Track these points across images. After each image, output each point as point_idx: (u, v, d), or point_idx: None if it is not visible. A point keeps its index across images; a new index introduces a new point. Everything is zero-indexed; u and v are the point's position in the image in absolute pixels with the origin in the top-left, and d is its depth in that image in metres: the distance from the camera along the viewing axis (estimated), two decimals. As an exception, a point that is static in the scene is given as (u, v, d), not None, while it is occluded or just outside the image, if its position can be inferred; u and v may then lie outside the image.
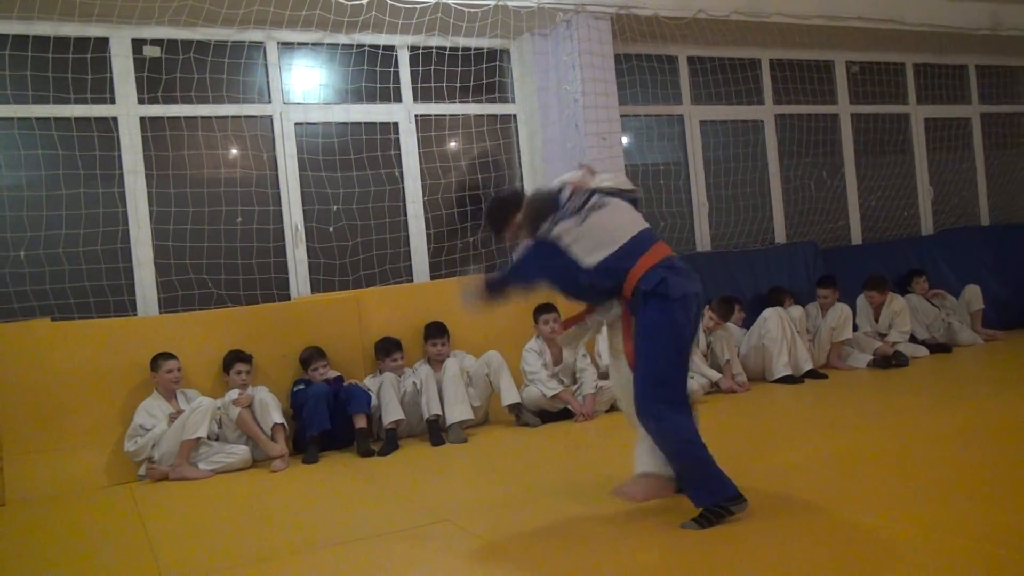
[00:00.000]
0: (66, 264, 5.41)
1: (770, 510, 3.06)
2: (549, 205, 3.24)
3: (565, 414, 5.47)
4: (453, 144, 6.73)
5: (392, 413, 5.11)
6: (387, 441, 5.04)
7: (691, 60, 7.60)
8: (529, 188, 6.86)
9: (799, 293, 6.92)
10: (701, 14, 6.78)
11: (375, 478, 4.39)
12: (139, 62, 5.68)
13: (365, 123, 6.35)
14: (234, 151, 6.02)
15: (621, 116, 6.71)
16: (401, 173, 6.46)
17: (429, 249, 6.52)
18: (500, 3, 6.15)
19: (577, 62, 6.41)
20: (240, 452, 4.88)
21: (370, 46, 6.31)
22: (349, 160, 6.29)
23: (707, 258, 7.19)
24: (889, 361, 6.35)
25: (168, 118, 5.76)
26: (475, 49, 6.64)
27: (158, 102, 5.74)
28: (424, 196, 6.51)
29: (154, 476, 4.75)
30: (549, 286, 3.26)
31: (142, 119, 5.69)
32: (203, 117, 5.88)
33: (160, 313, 5.60)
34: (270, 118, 6.08)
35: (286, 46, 6.14)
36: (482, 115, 6.76)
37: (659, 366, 2.99)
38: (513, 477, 4.17)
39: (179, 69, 5.77)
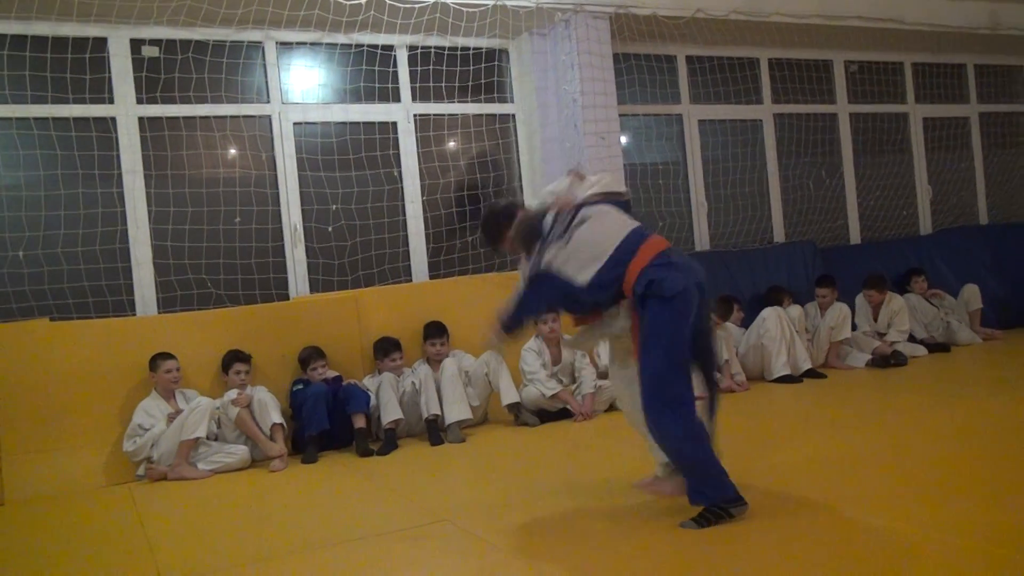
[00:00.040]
0: (65, 264, 5.41)
1: (769, 509, 3.06)
2: (536, 229, 3.28)
3: (564, 414, 5.48)
4: (452, 144, 6.73)
5: (391, 413, 5.11)
6: (386, 441, 5.04)
7: (690, 59, 7.60)
8: (528, 189, 6.86)
9: (798, 293, 6.92)
10: (700, 13, 6.78)
11: (374, 478, 4.39)
12: (137, 62, 5.68)
13: (364, 123, 6.35)
14: (233, 151, 6.01)
15: (620, 115, 6.71)
16: (400, 173, 6.46)
17: (428, 249, 6.52)
18: (499, 3, 6.15)
19: (576, 62, 6.41)
20: (239, 452, 4.88)
21: (369, 46, 6.30)
22: (348, 160, 6.28)
23: (706, 258, 7.19)
24: (888, 360, 6.36)
25: (167, 118, 5.75)
26: (474, 49, 6.64)
27: (157, 102, 5.73)
28: (423, 196, 6.51)
29: (153, 476, 4.74)
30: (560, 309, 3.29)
31: (140, 119, 5.68)
32: (202, 117, 5.88)
33: (159, 313, 5.60)
34: (269, 118, 6.08)
35: (285, 46, 6.13)
36: (481, 115, 6.75)
37: (660, 365, 2.98)
38: (512, 477, 4.17)
39: (178, 69, 5.76)
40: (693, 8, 6.74)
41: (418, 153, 6.51)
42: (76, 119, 5.49)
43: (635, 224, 3.19)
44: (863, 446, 4.02)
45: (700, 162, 7.63)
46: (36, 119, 5.39)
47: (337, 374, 5.32)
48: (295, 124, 6.14)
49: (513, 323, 3.37)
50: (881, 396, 5.49)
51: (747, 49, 7.80)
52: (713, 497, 2.96)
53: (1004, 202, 9.30)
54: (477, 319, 5.83)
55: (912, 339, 6.84)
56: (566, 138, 6.54)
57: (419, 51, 6.50)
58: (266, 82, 6.08)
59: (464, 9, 6.10)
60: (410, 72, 6.48)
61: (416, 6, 5.97)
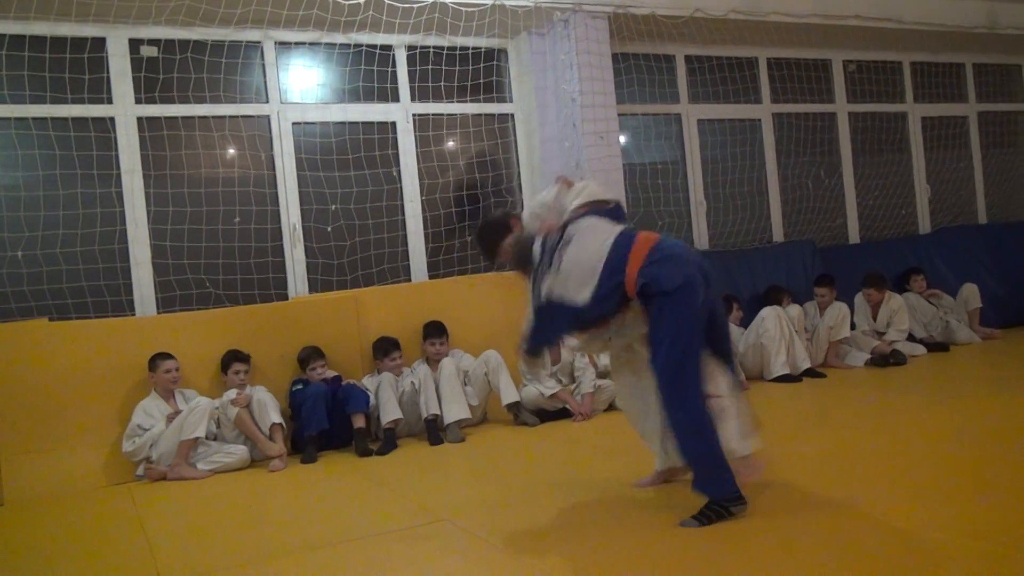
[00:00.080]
0: (63, 264, 5.41)
1: (769, 508, 3.06)
2: (528, 254, 3.34)
3: (563, 413, 5.48)
4: (451, 144, 6.73)
5: (390, 413, 5.11)
6: (385, 441, 5.04)
7: (688, 59, 7.60)
8: (527, 189, 6.86)
9: (797, 292, 6.92)
10: (698, 13, 6.78)
11: (373, 477, 4.39)
12: (136, 62, 5.68)
13: (363, 123, 6.34)
14: (231, 151, 6.01)
15: (619, 115, 6.71)
16: (399, 172, 6.46)
17: (427, 249, 6.52)
18: (497, 2, 6.15)
19: (575, 61, 6.41)
20: (238, 452, 4.88)
21: (367, 45, 6.30)
22: (347, 160, 6.28)
23: (705, 257, 7.18)
24: (887, 360, 6.36)
25: (165, 118, 5.75)
26: (472, 48, 6.64)
27: (155, 102, 5.73)
28: (422, 196, 6.51)
29: (152, 476, 4.74)
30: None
31: (139, 119, 5.68)
32: (200, 117, 5.88)
33: (158, 313, 5.60)
34: (267, 118, 6.08)
35: (283, 46, 6.13)
36: (480, 114, 6.75)
37: (671, 359, 3.00)
38: (511, 476, 4.17)
39: (176, 69, 5.76)
40: (692, 8, 6.75)
41: (417, 153, 6.51)
42: (75, 119, 5.48)
43: (620, 229, 3.20)
44: (862, 445, 4.02)
45: (699, 162, 7.64)
46: (35, 119, 5.39)
47: (336, 374, 5.32)
48: (294, 124, 6.14)
49: (535, 349, 3.42)
50: (880, 395, 5.49)
51: (746, 48, 7.80)
52: (714, 491, 2.97)
53: (1003, 201, 9.31)
54: (476, 319, 5.89)
55: (911, 338, 6.85)
56: (565, 138, 6.54)
57: (418, 51, 6.50)
58: (265, 82, 6.07)
59: (463, 9, 6.10)
60: (409, 72, 6.48)
61: (415, 6, 5.97)
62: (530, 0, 6.22)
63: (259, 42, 6.03)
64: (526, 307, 3.38)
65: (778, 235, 7.96)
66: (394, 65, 6.43)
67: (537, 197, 3.53)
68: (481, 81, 6.70)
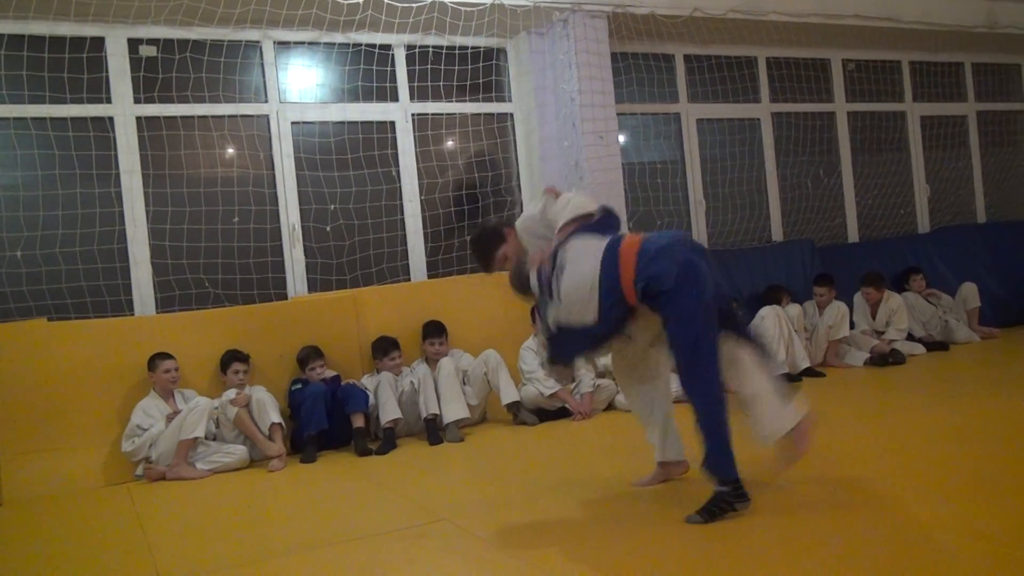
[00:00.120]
0: (62, 264, 5.40)
1: (768, 507, 3.06)
2: (526, 283, 3.44)
3: (563, 413, 5.48)
4: (450, 143, 6.73)
5: (389, 412, 5.11)
6: (385, 440, 5.03)
7: (688, 58, 7.60)
8: (527, 189, 6.86)
9: (796, 291, 6.92)
10: (698, 12, 6.78)
11: (373, 477, 4.39)
12: (135, 62, 5.67)
13: (362, 122, 6.34)
14: (230, 150, 6.01)
15: (618, 114, 6.71)
16: (398, 172, 6.46)
17: (426, 248, 6.52)
18: (496, 2, 6.15)
19: (574, 61, 6.41)
20: (238, 452, 4.88)
21: (366, 45, 6.30)
22: (346, 159, 6.28)
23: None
24: (886, 359, 6.36)
25: (164, 118, 5.75)
26: (472, 48, 6.64)
27: (154, 102, 5.73)
28: (421, 195, 6.51)
29: (151, 476, 4.74)
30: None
31: (138, 119, 5.68)
32: (199, 117, 5.88)
33: (157, 313, 5.59)
34: (266, 117, 6.08)
35: (282, 45, 6.13)
36: (479, 114, 6.75)
37: (686, 347, 3.05)
38: (511, 476, 4.17)
39: (175, 69, 5.76)
40: (691, 7, 6.75)
41: (416, 152, 6.50)
42: (74, 119, 5.48)
43: (606, 243, 3.21)
44: (861, 445, 4.02)
45: (698, 161, 7.64)
46: (34, 119, 5.39)
47: (336, 373, 5.32)
48: (293, 123, 6.14)
49: (563, 362, 3.51)
50: (879, 395, 5.49)
51: (745, 48, 7.80)
52: (720, 472, 2.99)
53: (1002, 200, 9.31)
54: (476, 318, 5.88)
55: (910, 337, 6.85)
56: (564, 137, 6.55)
57: (417, 50, 6.50)
58: (264, 82, 6.07)
59: (462, 8, 6.10)
60: (408, 71, 6.48)
61: (414, 5, 5.96)
62: (529, 0, 6.22)
63: (258, 42, 6.02)
64: (538, 331, 3.43)
65: (777, 234, 7.97)
66: (393, 65, 6.43)
67: (527, 209, 3.54)
68: (480, 81, 6.70)
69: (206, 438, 4.84)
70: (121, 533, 3.75)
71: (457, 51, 6.60)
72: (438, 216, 6.60)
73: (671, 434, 3.51)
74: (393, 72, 6.43)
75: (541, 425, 5.35)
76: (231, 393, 4.99)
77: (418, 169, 6.51)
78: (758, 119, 7.98)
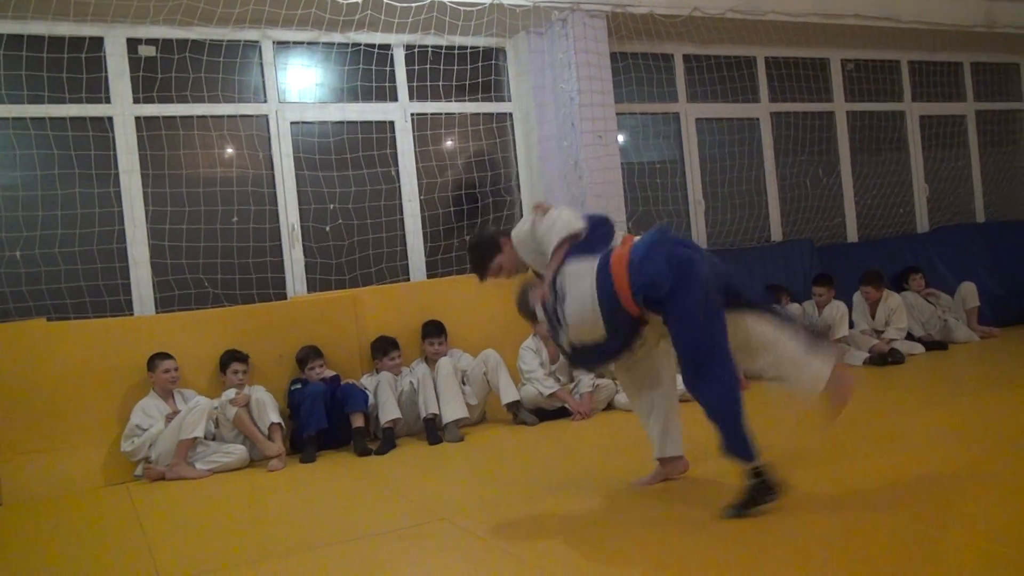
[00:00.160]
0: (62, 264, 5.40)
1: (766, 506, 3.06)
2: (532, 312, 3.55)
3: (562, 412, 5.48)
4: (449, 143, 6.73)
5: (389, 412, 5.11)
6: (384, 440, 5.03)
7: (687, 58, 7.60)
8: (526, 188, 6.86)
9: (795, 291, 6.92)
10: (697, 12, 6.79)
11: (372, 477, 4.39)
12: (134, 61, 5.67)
13: (361, 122, 6.34)
14: (230, 150, 6.01)
15: (617, 114, 6.71)
16: (397, 172, 6.46)
17: (426, 248, 6.52)
18: (496, 2, 6.15)
19: (573, 60, 6.41)
20: (237, 452, 4.87)
21: (366, 45, 6.30)
22: (345, 159, 6.28)
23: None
24: (885, 358, 6.36)
25: (163, 117, 5.75)
26: (471, 48, 6.64)
27: (153, 102, 5.73)
28: (420, 195, 6.51)
29: (151, 476, 4.74)
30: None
31: (137, 119, 5.68)
32: (199, 116, 5.87)
33: (156, 313, 5.59)
34: (266, 117, 6.08)
35: (281, 45, 6.13)
36: (478, 114, 6.75)
37: (688, 348, 3.07)
38: (510, 475, 4.17)
39: (174, 68, 5.76)
40: (690, 7, 6.75)
41: (415, 152, 6.50)
42: (73, 119, 5.48)
43: (596, 259, 3.22)
44: (860, 444, 4.02)
45: (697, 160, 7.64)
46: (33, 119, 5.39)
47: (335, 373, 5.32)
48: (292, 123, 6.14)
49: (588, 370, 3.57)
50: (878, 394, 5.49)
51: (744, 48, 7.81)
52: (742, 455, 2.99)
53: (1001, 200, 9.32)
54: (475, 318, 5.88)
55: (910, 337, 6.85)
56: (563, 137, 6.55)
57: (416, 50, 6.50)
58: (263, 81, 6.07)
59: (461, 8, 6.10)
60: (407, 71, 6.48)
61: (413, 5, 5.96)
62: (528, 0, 6.22)
63: (257, 41, 6.02)
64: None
65: (776, 234, 7.97)
66: (392, 64, 6.43)
67: (521, 222, 3.54)
68: (479, 80, 6.70)
69: (205, 438, 4.84)
70: (121, 533, 3.75)
71: (456, 51, 6.60)
72: (437, 216, 6.60)
73: (672, 430, 3.52)
74: (392, 72, 6.43)
75: (540, 425, 5.35)
76: (230, 393, 4.99)
77: (417, 169, 6.51)
78: (757, 119, 7.99)
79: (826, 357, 3.15)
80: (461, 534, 3.19)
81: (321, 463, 4.86)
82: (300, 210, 6.12)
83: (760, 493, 2.97)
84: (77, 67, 5.46)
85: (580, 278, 3.20)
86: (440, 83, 6.56)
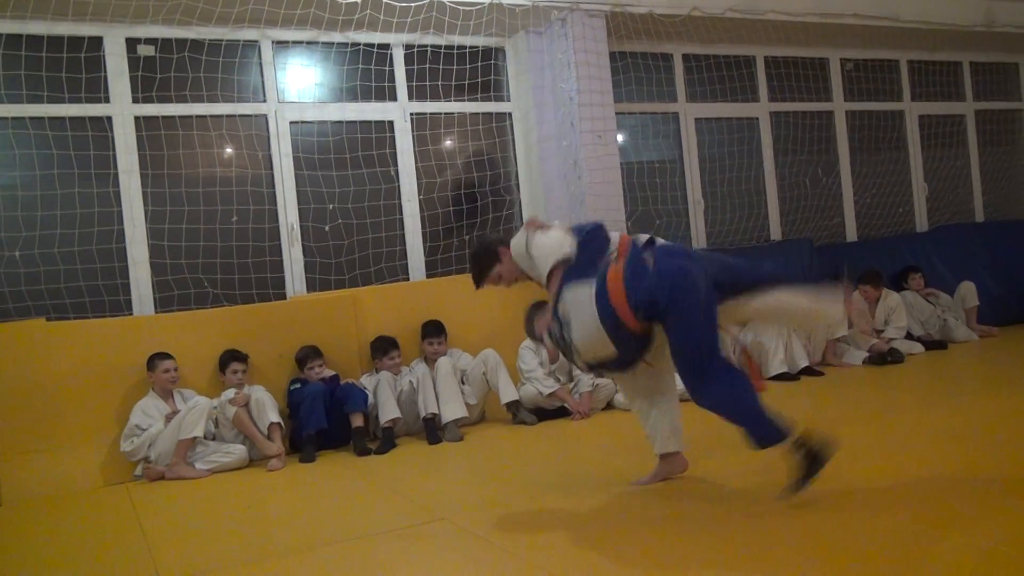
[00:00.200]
0: (61, 264, 5.40)
1: (768, 506, 3.06)
2: (538, 335, 3.70)
3: (562, 412, 5.48)
4: (448, 143, 6.72)
5: (389, 412, 5.11)
6: (384, 440, 5.03)
7: (686, 58, 7.60)
8: (525, 188, 6.85)
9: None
10: (696, 12, 6.79)
11: (372, 477, 4.39)
12: (133, 61, 5.67)
13: (360, 122, 6.34)
14: (229, 150, 6.01)
15: (616, 114, 6.71)
16: (396, 172, 6.46)
17: (425, 248, 6.52)
18: (495, 1, 6.15)
19: (572, 60, 6.41)
20: (237, 451, 4.87)
21: (365, 44, 6.30)
22: (344, 159, 6.28)
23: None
24: (885, 358, 6.36)
25: (163, 117, 5.74)
26: (470, 47, 6.64)
27: (153, 101, 5.73)
28: (420, 195, 6.51)
29: (150, 476, 4.74)
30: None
31: (137, 118, 5.68)
32: (198, 116, 5.87)
33: (156, 313, 5.59)
34: (265, 117, 6.07)
35: (281, 45, 6.13)
36: (477, 113, 6.75)
37: (688, 355, 3.13)
38: (510, 475, 4.17)
39: (174, 68, 5.75)
40: (689, 6, 6.75)
41: (415, 152, 6.50)
42: (72, 118, 5.48)
43: (592, 281, 3.22)
44: (860, 444, 4.02)
45: (697, 160, 7.64)
46: (32, 118, 5.38)
47: (334, 373, 5.31)
48: (291, 123, 6.14)
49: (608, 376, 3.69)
50: (878, 394, 5.49)
51: (743, 47, 7.81)
52: (772, 438, 3.03)
53: (1000, 199, 9.33)
54: (475, 318, 5.88)
55: (909, 336, 6.85)
56: (563, 136, 6.55)
57: (415, 50, 6.50)
58: (262, 81, 6.07)
59: (460, 8, 6.10)
60: (406, 71, 6.48)
61: (412, 5, 5.96)
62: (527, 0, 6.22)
63: (256, 41, 6.02)
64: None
65: (776, 233, 7.97)
66: (392, 64, 6.43)
67: (515, 237, 3.53)
68: (479, 80, 6.70)
69: (205, 438, 4.84)
70: (120, 533, 3.74)
71: (456, 50, 6.60)
72: (437, 215, 6.60)
73: (673, 425, 3.52)
74: (391, 72, 6.43)
75: (540, 424, 5.35)
76: (230, 393, 4.99)
77: (417, 168, 6.51)
78: (756, 118, 7.99)
79: (833, 299, 3.37)
80: (461, 534, 3.19)
81: (321, 463, 4.86)
82: (299, 210, 6.12)
83: (812, 461, 3.00)
84: (76, 67, 5.46)
85: (580, 306, 3.23)
86: (439, 83, 6.56)
